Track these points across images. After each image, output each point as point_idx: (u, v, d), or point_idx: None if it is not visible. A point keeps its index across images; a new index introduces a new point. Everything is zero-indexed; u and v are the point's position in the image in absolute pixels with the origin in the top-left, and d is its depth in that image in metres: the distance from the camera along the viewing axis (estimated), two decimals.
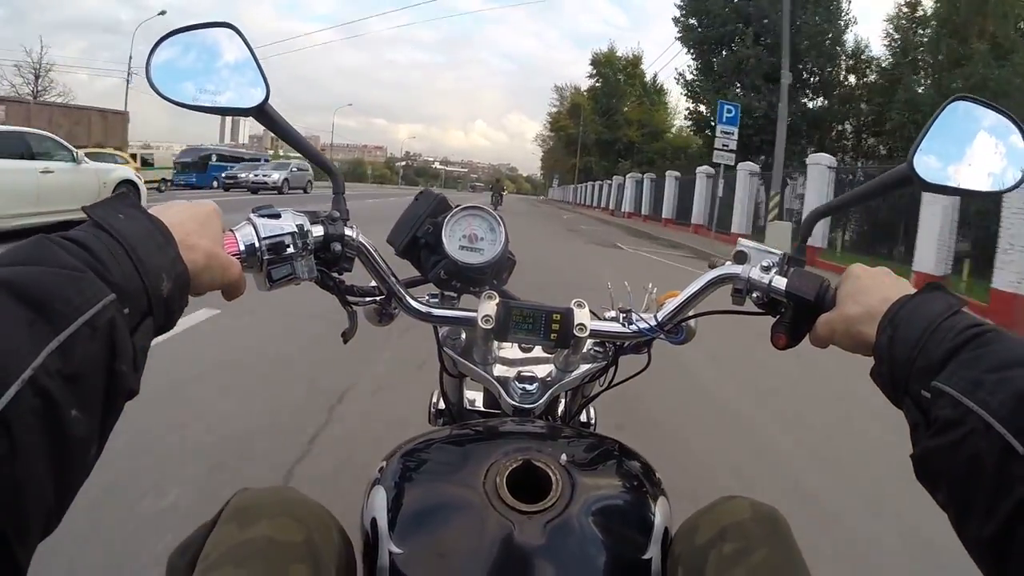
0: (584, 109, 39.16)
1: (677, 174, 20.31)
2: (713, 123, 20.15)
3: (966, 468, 0.36)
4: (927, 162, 0.54)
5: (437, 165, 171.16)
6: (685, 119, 23.81)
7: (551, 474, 0.53)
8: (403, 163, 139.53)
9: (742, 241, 0.65)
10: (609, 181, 31.54)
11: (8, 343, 0.29)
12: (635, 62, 38.19)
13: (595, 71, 39.07)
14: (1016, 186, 0.55)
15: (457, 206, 0.71)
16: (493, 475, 0.53)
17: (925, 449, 0.40)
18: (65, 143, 7.46)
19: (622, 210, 26.73)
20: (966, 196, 0.60)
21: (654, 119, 34.71)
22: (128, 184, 8.33)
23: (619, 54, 38.73)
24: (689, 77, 23.21)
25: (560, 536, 0.50)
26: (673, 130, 34.56)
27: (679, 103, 38.05)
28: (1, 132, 6.67)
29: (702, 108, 22.46)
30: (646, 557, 0.52)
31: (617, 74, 37.63)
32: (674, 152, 26.94)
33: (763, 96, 18.67)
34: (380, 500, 0.54)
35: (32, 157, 6.67)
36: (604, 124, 36.20)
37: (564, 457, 0.55)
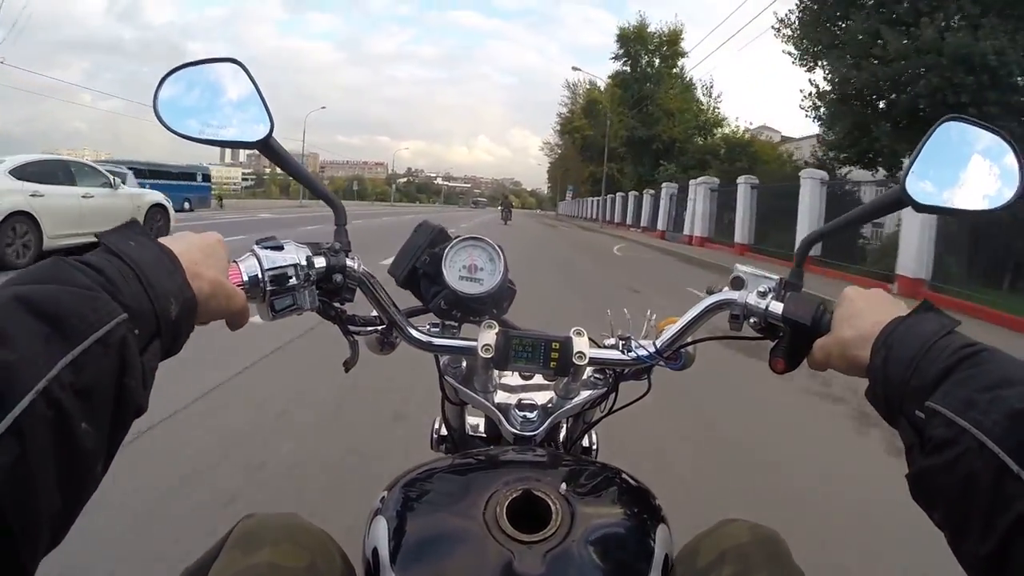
0: (604, 104, 32.04)
1: (823, 175, 12.19)
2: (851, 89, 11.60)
3: (961, 487, 0.37)
4: (920, 183, 0.55)
5: (439, 180, 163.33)
6: (806, 85, 13.75)
7: (551, 503, 0.54)
8: (403, 179, 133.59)
9: (738, 266, 0.66)
10: (650, 192, 24.15)
11: (24, 355, 0.31)
12: (673, 39, 30.82)
13: (622, 50, 31.39)
14: (1009, 204, 0.55)
15: (456, 237, 0.73)
16: (493, 505, 0.53)
17: (920, 469, 0.41)
18: (102, 170, 8.45)
19: (685, 232, 18.37)
20: (959, 216, 0.60)
21: (701, 112, 28.30)
22: (159, 207, 9.31)
23: (651, 30, 31.19)
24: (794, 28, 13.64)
25: (560, 565, 0.50)
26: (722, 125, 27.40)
27: (715, 100, 29.20)
28: (48, 160, 7.67)
29: (817, 79, 13.52)
30: None
31: (651, 55, 30.72)
32: (729, 151, 20.66)
33: (991, 35, 9.71)
34: (381, 530, 0.55)
35: (74, 183, 7.56)
36: (635, 118, 29.20)
37: (564, 486, 0.56)
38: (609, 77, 33.13)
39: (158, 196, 9.59)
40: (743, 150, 20.26)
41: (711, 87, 30.73)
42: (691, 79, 29.46)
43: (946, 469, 0.38)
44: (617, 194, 30.46)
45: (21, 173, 6.70)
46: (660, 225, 21.48)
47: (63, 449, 0.32)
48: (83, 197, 7.46)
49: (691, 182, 18.25)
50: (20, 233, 6.52)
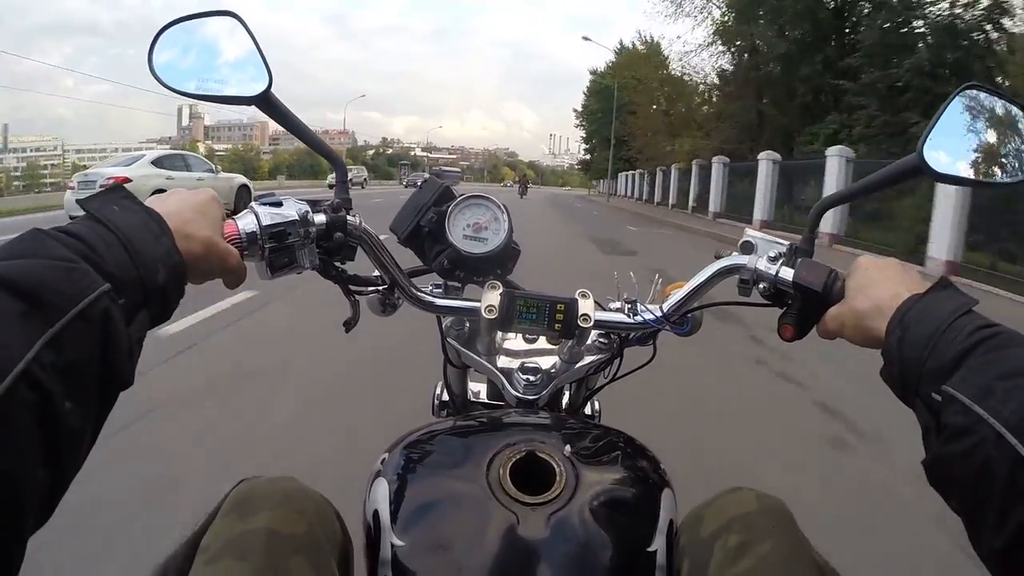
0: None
1: None
2: None
3: (977, 477, 0.35)
4: (937, 152, 0.52)
5: (418, 152, 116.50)
6: None
7: (555, 465, 0.51)
8: (372, 151, 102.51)
9: (749, 231, 0.62)
10: None
11: (1, 337, 0.28)
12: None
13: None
14: None
15: (462, 195, 0.68)
16: (496, 466, 0.51)
17: (936, 456, 0.39)
18: (207, 160, 11.79)
19: None
20: (976, 187, 0.57)
21: None
22: (244, 187, 11.80)
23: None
24: None
25: (564, 528, 0.48)
26: None
27: None
28: (174, 154, 11.25)
29: None
30: (651, 549, 0.50)
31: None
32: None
33: None
34: (382, 492, 0.53)
35: (191, 170, 10.50)
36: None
37: (568, 448, 0.53)
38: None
39: (244, 179, 12.64)
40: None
41: None
42: None
43: (962, 458, 0.36)
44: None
45: (158, 163, 9.82)
46: None
47: (48, 431, 0.29)
48: (197, 180, 10.20)
49: None
50: None
